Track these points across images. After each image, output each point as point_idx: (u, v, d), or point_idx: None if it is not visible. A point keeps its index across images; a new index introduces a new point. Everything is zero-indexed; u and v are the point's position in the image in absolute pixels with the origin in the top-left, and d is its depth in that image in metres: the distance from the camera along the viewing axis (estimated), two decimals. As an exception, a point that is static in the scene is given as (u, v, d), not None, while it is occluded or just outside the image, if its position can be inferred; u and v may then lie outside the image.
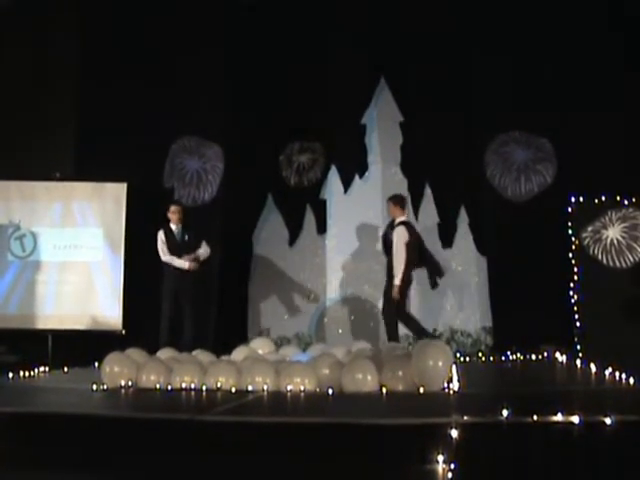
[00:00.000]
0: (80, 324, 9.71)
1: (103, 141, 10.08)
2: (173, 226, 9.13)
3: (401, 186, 10.45)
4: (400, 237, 8.60)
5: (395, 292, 8.50)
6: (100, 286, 9.80)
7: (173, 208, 9.13)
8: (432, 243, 10.29)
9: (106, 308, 9.75)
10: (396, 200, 8.90)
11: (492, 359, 9.25)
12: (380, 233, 10.09)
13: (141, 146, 10.04)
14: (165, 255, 9.04)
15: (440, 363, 6.13)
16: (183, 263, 9.00)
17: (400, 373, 6.19)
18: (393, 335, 8.66)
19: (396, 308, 8.63)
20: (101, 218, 9.92)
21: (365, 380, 6.18)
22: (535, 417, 4.55)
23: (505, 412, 4.59)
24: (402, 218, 8.81)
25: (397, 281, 8.48)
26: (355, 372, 6.24)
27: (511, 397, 5.06)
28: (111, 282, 9.79)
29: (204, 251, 9.16)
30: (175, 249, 9.05)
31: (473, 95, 9.90)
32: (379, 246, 9.87)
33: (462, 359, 9.19)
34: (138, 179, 9.88)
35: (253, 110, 10.24)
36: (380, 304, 9.22)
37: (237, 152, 10.35)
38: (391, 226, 8.84)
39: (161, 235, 9.07)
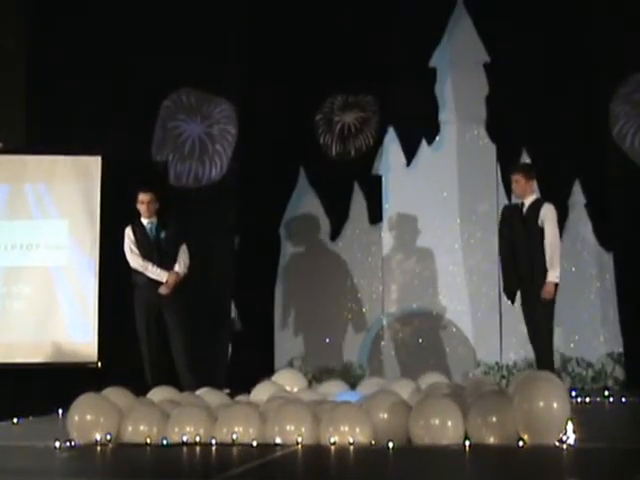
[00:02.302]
0: (37, 355, 9.74)
1: (67, 99, 10.13)
2: (144, 221, 9.19)
3: (487, 154, 10.46)
4: (555, 218, 8.80)
5: (551, 291, 8.63)
6: (66, 301, 9.83)
7: (142, 197, 9.13)
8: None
9: (75, 331, 9.78)
10: (530, 172, 8.95)
11: (624, 399, 9.10)
12: (458, 221, 10.04)
13: (120, 104, 10.07)
14: (135, 260, 9.09)
15: (555, 405, 6.00)
16: (160, 273, 9.02)
17: (494, 419, 6.10)
18: (547, 358, 8.72)
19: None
20: (66, 206, 9.94)
21: (444, 428, 6.11)
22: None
23: (645, 477, 4.49)
24: (537, 195, 8.94)
25: (556, 276, 8.65)
26: (429, 417, 6.18)
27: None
28: (82, 295, 9.83)
29: (182, 266, 9.13)
30: (148, 251, 9.10)
31: (593, 20, 9.81)
32: (455, 238, 9.90)
33: (580, 399, 9.07)
34: (117, 150, 9.89)
35: (278, 50, 10.26)
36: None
37: (256, 110, 10.38)
38: (530, 205, 8.80)
39: (129, 233, 9.15)
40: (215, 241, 10.05)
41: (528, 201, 8.81)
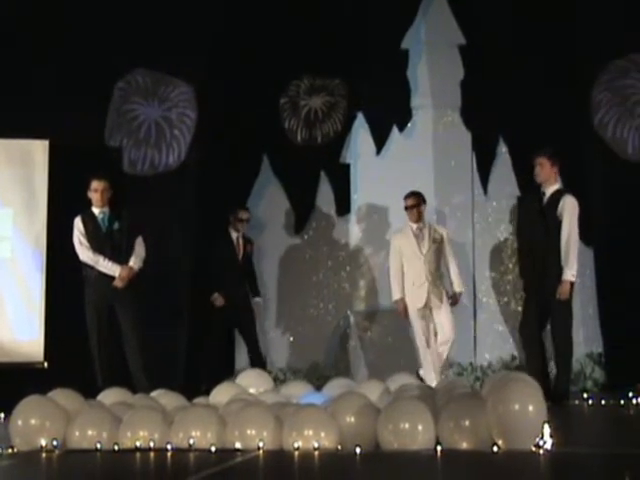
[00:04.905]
0: (-23, 354, 9.69)
1: (11, 78, 10.02)
2: (96, 210, 9.18)
3: (462, 142, 10.51)
4: (575, 211, 8.73)
5: (566, 291, 8.62)
6: (10, 296, 9.79)
7: (95, 184, 9.13)
8: (509, 226, 10.29)
9: (19, 329, 9.75)
10: (556, 156, 8.90)
11: (603, 402, 9.16)
12: (431, 213, 10.08)
13: (70, 84, 9.99)
14: (85, 253, 9.07)
15: (530, 407, 6.00)
16: (112, 267, 9.02)
17: (466, 423, 6.10)
18: (566, 363, 8.80)
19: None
20: (9, 194, 9.90)
21: (414, 433, 6.11)
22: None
23: (626, 483, 4.51)
24: (560, 185, 8.91)
25: (571, 274, 8.62)
26: (399, 421, 6.17)
27: (634, 460, 4.94)
28: (27, 290, 9.80)
29: (137, 261, 9.15)
30: (100, 244, 9.09)
31: (576, 3, 9.88)
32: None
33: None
34: (66, 134, 9.85)
35: (240, 28, 10.26)
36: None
37: (216, 93, 10.38)
38: (551, 195, 8.83)
39: (78, 224, 9.13)
40: (172, 233, 10.05)
41: (549, 190, 8.78)
